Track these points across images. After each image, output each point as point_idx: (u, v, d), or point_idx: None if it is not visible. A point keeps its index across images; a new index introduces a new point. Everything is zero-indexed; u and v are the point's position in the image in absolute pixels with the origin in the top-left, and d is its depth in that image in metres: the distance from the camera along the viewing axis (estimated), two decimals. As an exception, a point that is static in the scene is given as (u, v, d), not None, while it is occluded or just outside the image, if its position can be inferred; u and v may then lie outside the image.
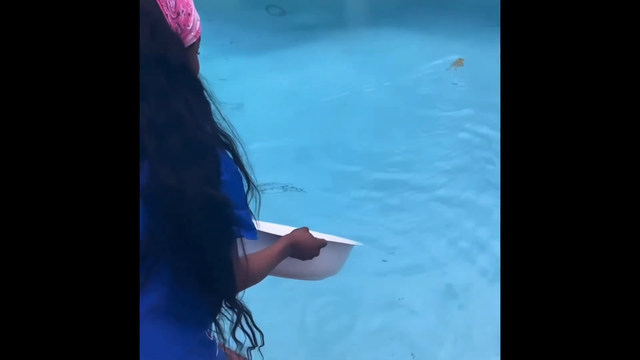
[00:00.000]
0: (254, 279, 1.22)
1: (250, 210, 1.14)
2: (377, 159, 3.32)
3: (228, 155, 1.07)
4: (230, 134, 1.09)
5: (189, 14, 1.04)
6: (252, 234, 1.15)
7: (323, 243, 1.40)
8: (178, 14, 1.02)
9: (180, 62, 0.99)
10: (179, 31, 1.03)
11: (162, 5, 0.98)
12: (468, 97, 3.83)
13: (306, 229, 1.39)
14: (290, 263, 1.37)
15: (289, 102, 3.93)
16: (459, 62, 4.24)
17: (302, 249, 1.35)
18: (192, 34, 1.06)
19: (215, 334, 1.16)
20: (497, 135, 3.23)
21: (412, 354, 2.14)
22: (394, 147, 3.40)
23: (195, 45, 1.09)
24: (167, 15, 0.99)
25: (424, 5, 5.10)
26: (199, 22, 1.08)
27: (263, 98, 3.95)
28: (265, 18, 5.29)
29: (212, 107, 1.06)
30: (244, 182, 1.12)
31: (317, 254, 1.38)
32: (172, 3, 1.01)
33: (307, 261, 1.39)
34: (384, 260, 2.60)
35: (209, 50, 3.89)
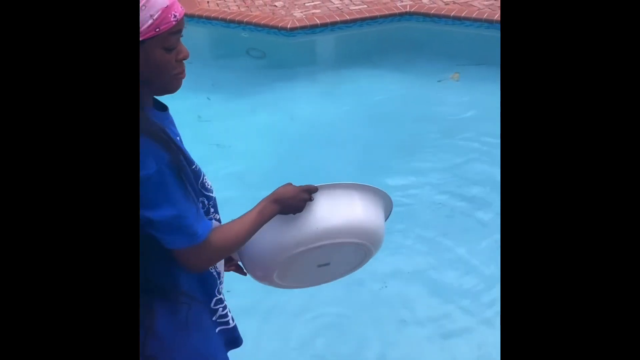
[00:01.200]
0: (231, 247, 1.14)
1: (195, 212, 1.03)
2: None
3: (157, 145, 0.98)
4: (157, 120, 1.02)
5: None
6: (182, 240, 1.03)
7: (310, 187, 1.25)
8: None
9: None
10: None
11: None
12: (450, 129, 3.90)
13: (289, 184, 1.25)
14: (293, 226, 1.24)
15: (273, 141, 3.95)
16: (455, 76, 4.55)
17: (286, 199, 1.21)
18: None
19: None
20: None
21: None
22: (385, 177, 3.41)
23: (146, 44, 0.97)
24: None
25: (400, 49, 5.34)
26: (154, 17, 0.96)
27: (246, 138, 3.97)
28: (246, 61, 5.37)
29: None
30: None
31: (308, 199, 1.24)
32: None
33: (310, 215, 1.25)
34: (382, 288, 2.58)
35: (192, 94, 3.93)
